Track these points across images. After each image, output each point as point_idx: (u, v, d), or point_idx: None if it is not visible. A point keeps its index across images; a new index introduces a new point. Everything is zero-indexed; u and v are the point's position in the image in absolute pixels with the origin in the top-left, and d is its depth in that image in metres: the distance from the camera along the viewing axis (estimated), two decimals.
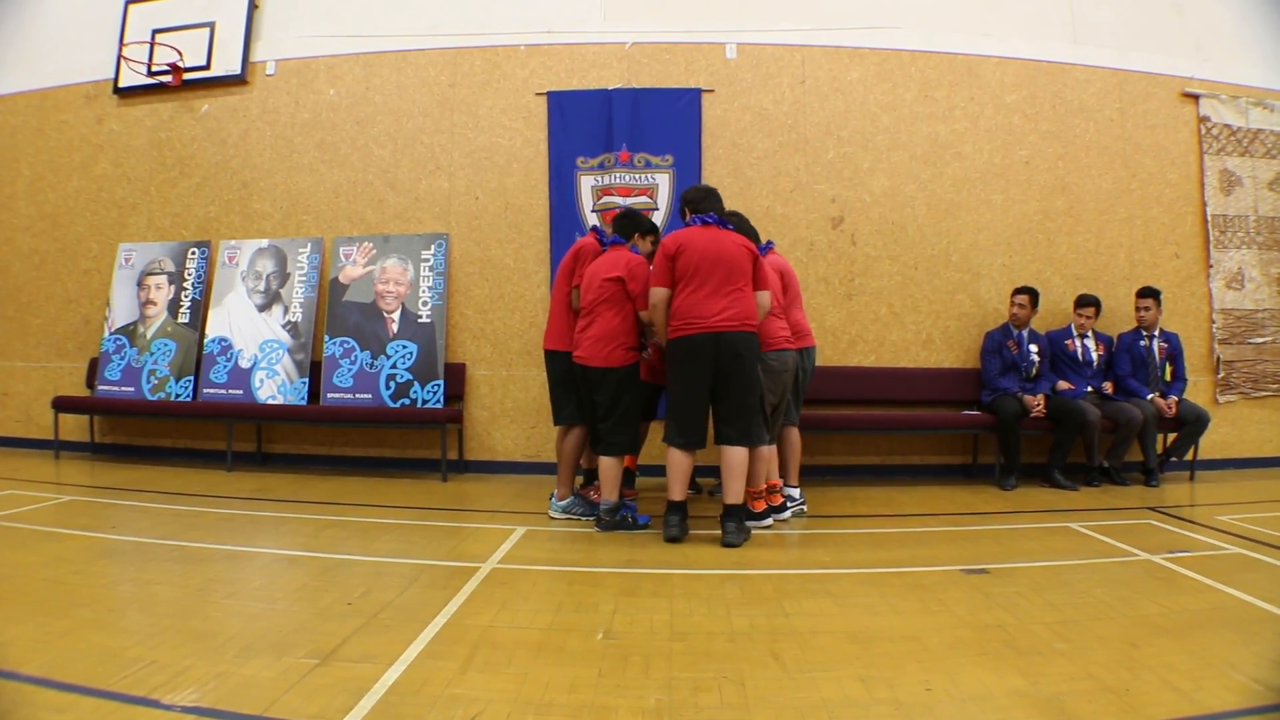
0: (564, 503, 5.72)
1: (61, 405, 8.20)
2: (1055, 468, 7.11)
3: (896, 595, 3.92)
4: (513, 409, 7.91)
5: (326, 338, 7.89)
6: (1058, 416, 7.11)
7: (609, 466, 5.32)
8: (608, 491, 5.34)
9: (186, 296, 8.30)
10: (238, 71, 8.42)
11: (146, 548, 4.84)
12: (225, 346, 8.08)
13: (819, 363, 6.47)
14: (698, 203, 5.25)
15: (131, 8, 8.69)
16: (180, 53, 8.42)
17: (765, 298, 5.21)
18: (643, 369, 5.52)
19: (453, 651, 3.12)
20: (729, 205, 5.73)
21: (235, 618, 3.53)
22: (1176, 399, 7.37)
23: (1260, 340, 8.11)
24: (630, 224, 5.76)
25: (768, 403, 5.43)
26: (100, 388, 8.27)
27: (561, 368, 5.67)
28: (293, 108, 8.43)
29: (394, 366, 7.71)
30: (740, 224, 5.67)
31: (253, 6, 8.48)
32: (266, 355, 7.98)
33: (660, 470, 5.29)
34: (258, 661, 2.98)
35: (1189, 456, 7.53)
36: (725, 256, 5.02)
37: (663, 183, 7.79)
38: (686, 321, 4.97)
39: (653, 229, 5.97)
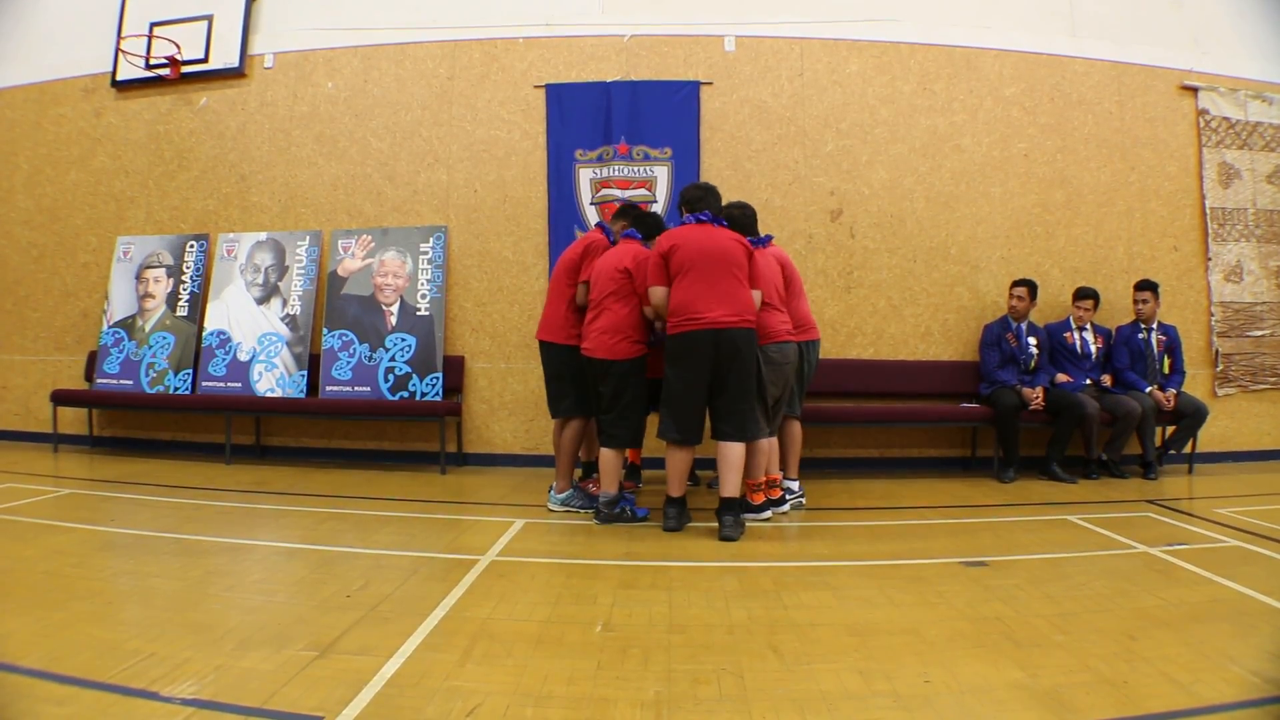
0: (563, 495, 5.72)
1: (60, 398, 8.20)
2: (1054, 460, 7.12)
3: (895, 588, 3.92)
4: (511, 401, 7.91)
5: (325, 330, 7.89)
6: (1056, 409, 7.11)
7: (609, 459, 5.33)
8: (607, 484, 5.34)
9: (185, 290, 8.30)
10: (236, 65, 8.40)
11: (145, 540, 4.85)
12: (224, 339, 8.08)
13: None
14: (693, 202, 5.27)
15: (130, 1, 8.66)
16: (178, 46, 8.40)
17: (757, 296, 5.22)
18: (650, 366, 5.53)
19: (452, 644, 3.12)
20: (728, 198, 5.72)
21: (234, 610, 3.53)
22: (1175, 392, 7.36)
23: (1259, 333, 8.12)
24: (655, 225, 5.75)
25: (769, 395, 5.43)
26: (99, 381, 8.27)
27: (557, 360, 5.68)
28: (291, 101, 8.41)
29: (393, 359, 7.71)
30: (741, 217, 5.65)
31: None
32: (265, 348, 7.97)
33: (660, 463, 5.28)
34: (257, 654, 2.98)
35: (1187, 449, 7.53)
36: (719, 253, 5.03)
37: (661, 175, 7.78)
38: (685, 318, 4.97)
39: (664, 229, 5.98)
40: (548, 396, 5.89)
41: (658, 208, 7.64)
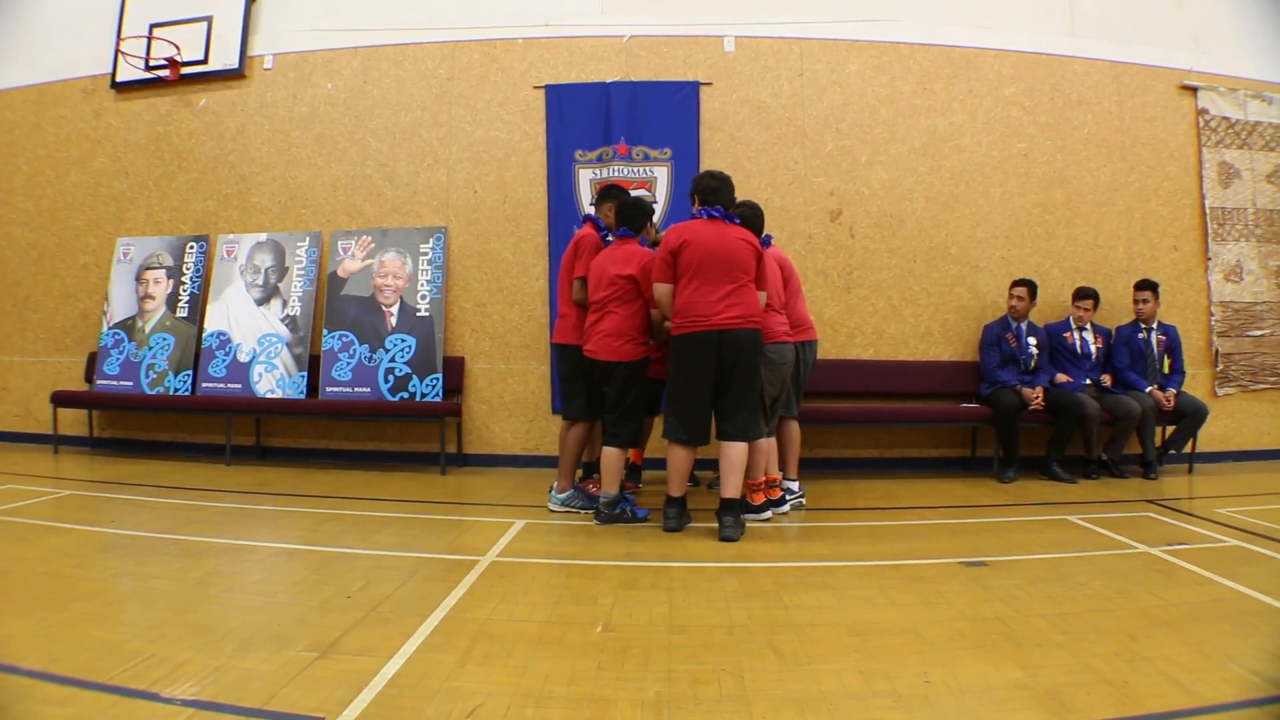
0: (563, 495, 5.72)
1: (60, 400, 8.19)
2: (1054, 460, 7.12)
3: (895, 588, 3.93)
4: (511, 402, 7.91)
5: (325, 331, 7.89)
6: (1056, 409, 7.11)
7: (611, 458, 5.33)
8: (608, 484, 5.34)
9: (185, 291, 8.30)
10: (235, 66, 8.40)
11: (145, 542, 4.85)
12: (224, 340, 8.08)
13: (818, 355, 6.45)
14: (707, 194, 5.19)
15: (129, 2, 8.65)
16: (178, 47, 8.40)
17: (763, 297, 5.21)
18: (654, 368, 5.53)
19: (452, 644, 3.12)
20: None
21: (234, 611, 3.53)
22: (1175, 391, 7.36)
23: (1258, 333, 8.11)
24: (639, 214, 5.70)
25: (767, 395, 5.43)
26: (99, 382, 8.26)
27: (570, 362, 5.68)
28: (290, 102, 8.41)
29: (392, 360, 7.70)
30: (752, 216, 5.64)
31: (250, 0, 8.45)
32: (265, 349, 7.97)
33: (661, 464, 5.28)
34: (257, 654, 2.98)
35: (1187, 449, 7.53)
36: (728, 252, 5.00)
37: (661, 175, 7.78)
38: (690, 319, 4.97)
39: (651, 211, 5.96)
40: (561, 397, 5.90)
41: (658, 208, 7.64)
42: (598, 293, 5.43)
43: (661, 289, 5.14)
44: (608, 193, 6.00)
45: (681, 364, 5.05)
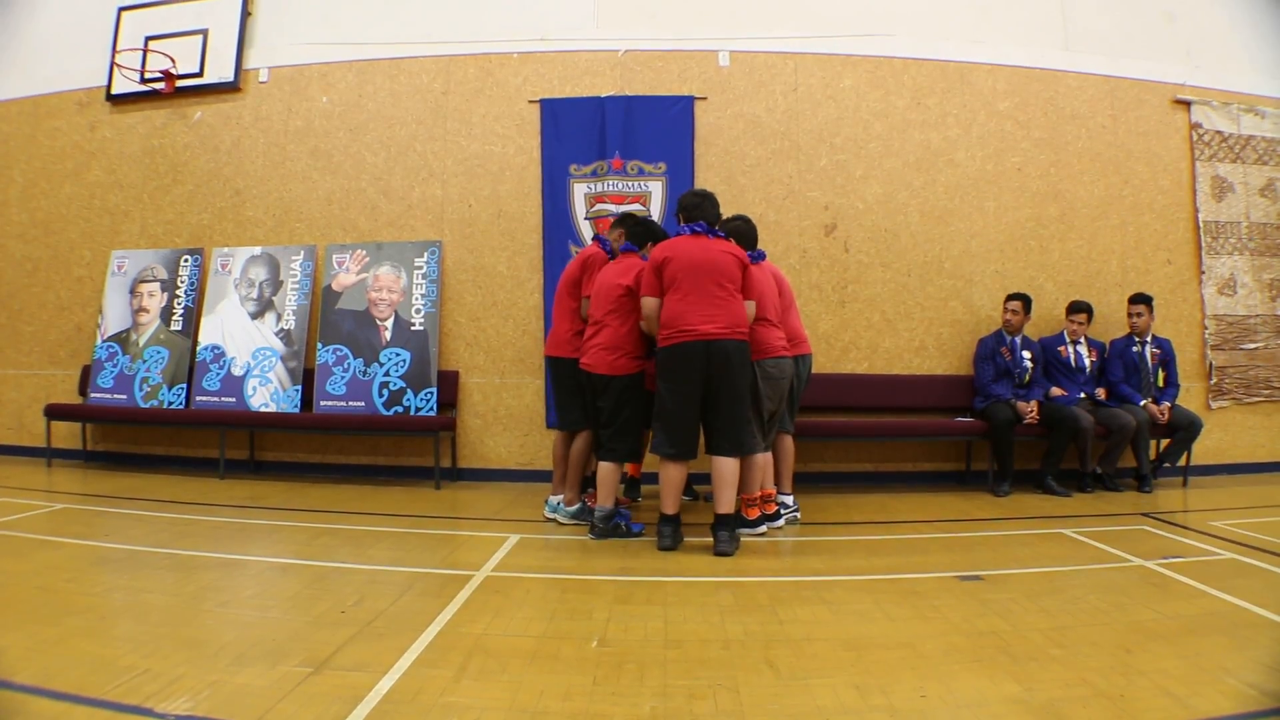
0: (573, 509, 5.73)
1: (54, 413, 8.17)
2: (1048, 474, 7.12)
3: (891, 602, 3.92)
4: (506, 416, 7.90)
5: (319, 345, 7.88)
6: (1051, 423, 7.12)
7: (607, 473, 5.33)
8: (603, 498, 5.33)
9: (179, 304, 8.29)
10: (231, 79, 8.41)
11: (139, 556, 4.82)
12: (218, 354, 8.06)
13: (812, 369, 6.46)
14: (690, 210, 5.23)
15: (125, 14, 8.68)
16: (173, 60, 8.41)
17: (751, 307, 5.21)
18: (648, 379, 5.54)
19: (447, 660, 3.11)
20: (723, 213, 5.72)
21: (228, 626, 3.52)
22: (1169, 405, 7.38)
23: (1252, 346, 8.14)
24: (645, 232, 5.73)
25: (765, 410, 5.43)
26: (93, 395, 8.24)
27: (564, 374, 5.70)
28: (286, 115, 8.42)
29: (387, 374, 7.70)
30: (746, 229, 5.67)
31: (246, 14, 8.48)
32: (259, 363, 7.96)
33: (656, 478, 5.27)
34: (251, 670, 2.97)
35: (1182, 462, 7.53)
36: (712, 264, 5.02)
37: (656, 190, 7.79)
38: (676, 330, 4.96)
39: (664, 237, 5.97)
40: (557, 410, 5.92)
41: None
42: (602, 308, 5.44)
43: (649, 303, 5.15)
44: (621, 221, 6.03)
45: (668, 375, 5.03)
